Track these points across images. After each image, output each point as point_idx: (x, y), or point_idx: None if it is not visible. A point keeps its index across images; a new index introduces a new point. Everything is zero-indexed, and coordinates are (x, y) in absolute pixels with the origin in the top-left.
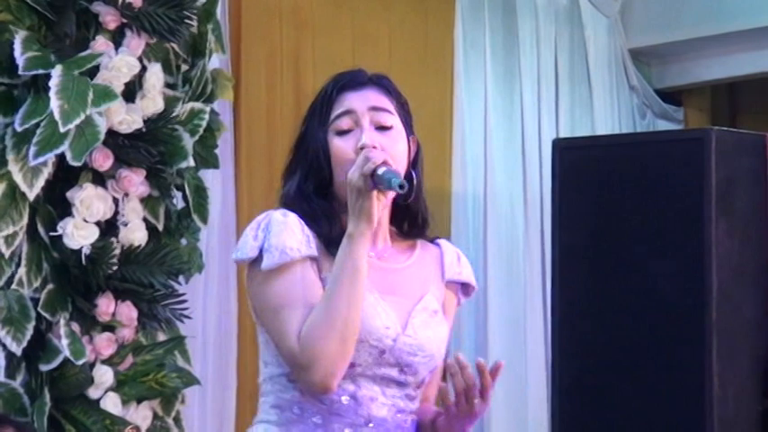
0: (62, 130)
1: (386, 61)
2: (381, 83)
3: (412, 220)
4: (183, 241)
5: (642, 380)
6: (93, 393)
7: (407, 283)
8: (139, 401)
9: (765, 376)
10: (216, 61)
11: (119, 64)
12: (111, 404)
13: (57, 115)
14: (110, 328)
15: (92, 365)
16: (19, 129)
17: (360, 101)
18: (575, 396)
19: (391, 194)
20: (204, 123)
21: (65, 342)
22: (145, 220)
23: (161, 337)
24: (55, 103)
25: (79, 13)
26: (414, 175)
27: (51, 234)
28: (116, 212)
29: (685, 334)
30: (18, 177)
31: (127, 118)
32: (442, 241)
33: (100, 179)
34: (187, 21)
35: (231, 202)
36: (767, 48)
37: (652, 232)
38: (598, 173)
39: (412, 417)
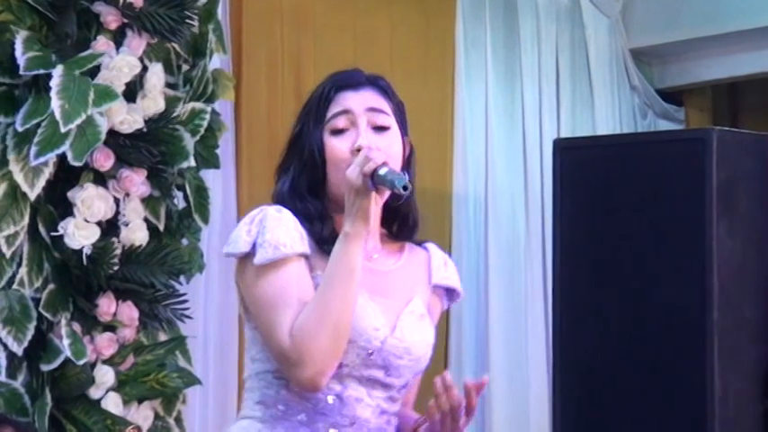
0: (63, 130)
1: (387, 61)
2: (378, 83)
3: (402, 222)
4: (184, 241)
5: (644, 380)
6: (94, 393)
7: (396, 286)
8: (140, 401)
9: (767, 376)
10: (217, 61)
11: (120, 64)
12: (113, 404)
13: (58, 115)
14: (111, 328)
15: (93, 365)
16: (20, 129)
17: (357, 101)
18: (576, 396)
19: (386, 195)
20: (205, 123)
21: (66, 342)
22: (146, 220)
23: (162, 337)
24: (56, 103)
25: (80, 13)
26: (407, 174)
27: (52, 234)
28: (117, 212)
29: (686, 334)
30: (19, 177)
31: (128, 118)
32: (429, 245)
33: (101, 179)
34: (188, 21)
35: (232, 202)
36: None
37: (653, 232)
38: (599, 173)
39: (393, 418)
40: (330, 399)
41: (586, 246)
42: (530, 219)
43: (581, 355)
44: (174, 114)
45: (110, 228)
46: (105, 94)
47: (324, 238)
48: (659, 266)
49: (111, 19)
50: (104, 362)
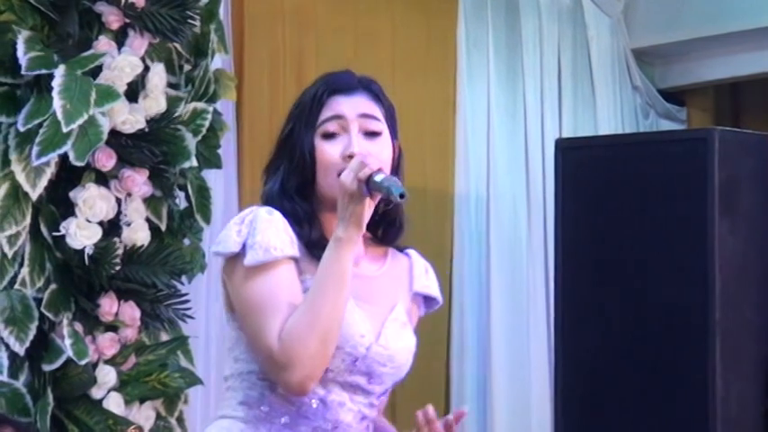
0: (65, 130)
1: (389, 61)
2: (371, 88)
3: (389, 226)
4: (186, 241)
5: (645, 380)
6: (96, 393)
7: (380, 292)
8: (142, 401)
9: None
10: (218, 61)
11: (122, 64)
12: (114, 404)
13: (59, 115)
14: (113, 328)
15: (95, 365)
16: (22, 129)
17: (349, 107)
18: (578, 397)
19: (377, 200)
20: (207, 123)
21: (68, 342)
22: (148, 220)
23: (164, 337)
24: (58, 103)
25: (82, 13)
26: (397, 176)
27: (54, 234)
28: (119, 212)
29: (688, 334)
30: (21, 177)
31: (130, 118)
32: (411, 252)
33: (103, 179)
34: (190, 21)
35: (234, 202)
36: None
37: (655, 232)
38: (601, 173)
39: (371, 424)
40: (314, 403)
41: (588, 245)
42: (531, 219)
43: (583, 355)
44: (176, 114)
45: (111, 228)
46: (107, 94)
47: (312, 242)
48: (661, 266)
49: (113, 19)
50: (106, 362)
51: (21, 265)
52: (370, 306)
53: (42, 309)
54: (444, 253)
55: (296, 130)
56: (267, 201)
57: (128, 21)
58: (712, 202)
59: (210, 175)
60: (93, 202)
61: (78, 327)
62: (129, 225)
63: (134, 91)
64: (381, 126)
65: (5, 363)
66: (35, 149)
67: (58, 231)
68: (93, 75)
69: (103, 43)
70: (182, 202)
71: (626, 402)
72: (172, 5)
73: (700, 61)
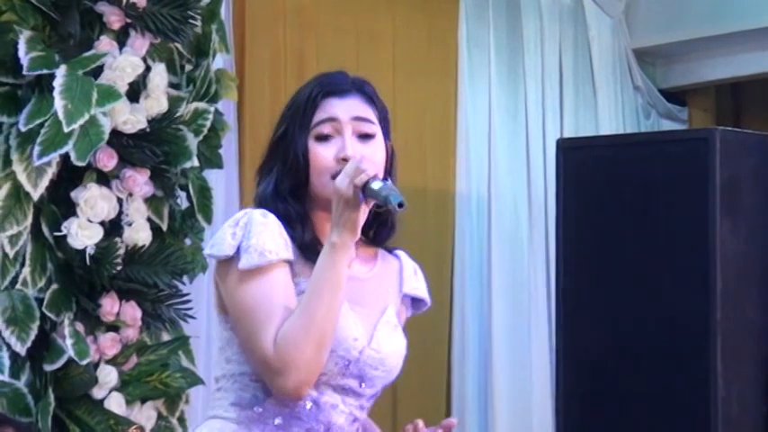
0: (66, 130)
1: (390, 61)
2: (364, 90)
3: (380, 227)
4: (188, 241)
5: (647, 379)
6: (97, 393)
7: (372, 295)
8: (143, 401)
9: None
10: (220, 61)
11: (123, 64)
12: (116, 404)
13: (61, 115)
14: (114, 328)
15: (96, 365)
16: (23, 129)
17: (343, 109)
18: (579, 397)
19: (371, 205)
20: (208, 123)
21: (69, 342)
22: (149, 220)
23: (165, 337)
24: (59, 103)
25: (83, 13)
26: (388, 180)
27: (55, 234)
28: (120, 212)
29: (690, 334)
30: (22, 177)
31: (131, 118)
32: (400, 253)
33: (104, 179)
34: (191, 21)
35: (235, 203)
36: None
37: (656, 232)
38: (602, 173)
39: (361, 427)
40: (308, 404)
41: (589, 246)
42: (533, 219)
43: (583, 355)
44: (178, 114)
45: (113, 228)
46: (108, 94)
47: (305, 244)
48: (662, 266)
49: (115, 19)
50: (107, 362)
51: (22, 265)
52: (362, 308)
53: (44, 309)
54: (445, 253)
55: (289, 131)
56: (261, 202)
57: (129, 21)
58: (713, 202)
59: (212, 176)
60: (94, 202)
61: (79, 327)
62: (130, 225)
63: (135, 91)
64: (375, 128)
65: (7, 363)
66: (36, 149)
67: (60, 231)
68: (95, 75)
69: (105, 43)
70: (183, 202)
71: (627, 402)
72: (173, 5)
73: (701, 61)
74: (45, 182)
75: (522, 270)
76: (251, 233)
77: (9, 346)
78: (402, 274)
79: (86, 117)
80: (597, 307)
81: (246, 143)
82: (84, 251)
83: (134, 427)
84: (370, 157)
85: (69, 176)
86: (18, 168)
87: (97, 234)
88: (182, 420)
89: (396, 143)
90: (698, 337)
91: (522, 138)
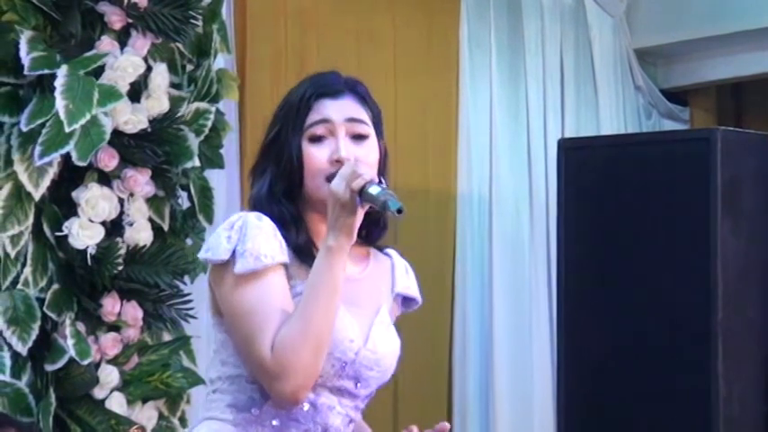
0: (67, 129)
1: (391, 61)
2: (357, 90)
3: (373, 226)
4: (189, 241)
5: (648, 380)
6: (98, 393)
7: (366, 295)
8: (145, 401)
9: None
10: (221, 61)
11: (124, 64)
12: (117, 404)
13: (62, 115)
14: (115, 328)
15: (97, 365)
16: (24, 129)
17: (336, 111)
18: (580, 397)
19: (366, 207)
20: (209, 123)
21: (70, 342)
22: (150, 220)
23: (166, 337)
24: (60, 103)
25: (84, 13)
26: (382, 182)
27: (57, 234)
28: (121, 212)
29: (691, 334)
30: (23, 177)
31: (132, 118)
32: (392, 252)
33: (105, 179)
34: (192, 21)
35: (236, 202)
36: None
37: (658, 232)
38: (603, 173)
39: (354, 426)
40: (305, 406)
41: (591, 246)
42: (534, 219)
43: (585, 355)
44: (179, 114)
45: (114, 228)
46: (110, 94)
47: (300, 247)
48: (663, 266)
49: (116, 19)
50: (109, 362)
51: (23, 265)
52: (357, 309)
53: (45, 309)
54: (447, 253)
55: (282, 132)
56: (255, 204)
57: (130, 21)
58: (714, 202)
59: (213, 175)
60: (95, 202)
61: (81, 327)
62: (131, 225)
63: (136, 91)
64: (368, 129)
65: (8, 363)
66: (38, 149)
67: (61, 231)
68: (96, 75)
69: (106, 43)
70: (184, 202)
71: (628, 402)
72: (174, 5)
73: (702, 61)
74: (46, 182)
75: (523, 270)
76: (246, 237)
77: (10, 346)
78: (394, 273)
79: (88, 117)
80: (598, 307)
81: (248, 143)
82: (85, 251)
83: (135, 427)
84: (364, 158)
85: (70, 176)
86: (19, 168)
87: (98, 234)
88: (183, 420)
89: (397, 143)
90: (699, 338)
91: (524, 138)
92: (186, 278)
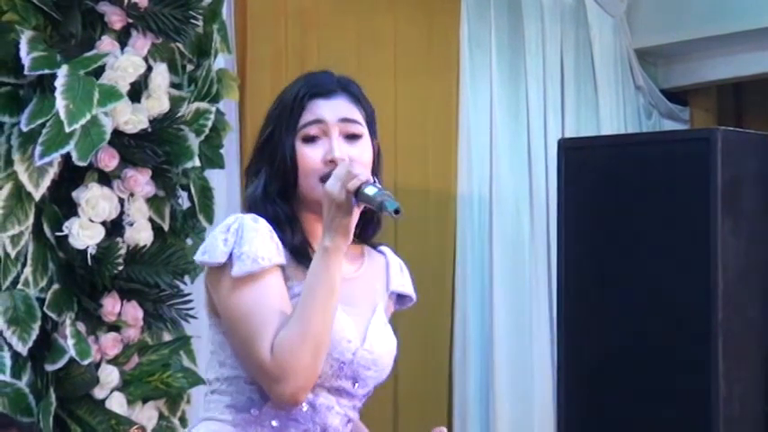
0: (68, 129)
1: (391, 61)
2: (350, 90)
3: (366, 224)
4: (189, 241)
5: (648, 379)
6: (98, 393)
7: (362, 294)
8: (145, 401)
9: None
10: (221, 61)
11: (124, 64)
12: (117, 404)
13: (62, 115)
14: (115, 328)
15: (97, 365)
16: (25, 129)
17: (330, 111)
18: (581, 396)
19: (362, 207)
20: (210, 123)
21: (70, 342)
22: (150, 220)
23: (166, 337)
24: (60, 103)
25: (85, 13)
26: (376, 180)
27: (57, 234)
28: (122, 212)
29: (691, 334)
30: (24, 177)
31: (132, 118)
32: (385, 249)
33: (105, 179)
34: (193, 21)
35: (236, 202)
36: None
37: (658, 232)
38: (603, 173)
39: (352, 426)
40: (304, 407)
41: (591, 245)
42: (534, 219)
43: (585, 354)
44: (179, 114)
45: (114, 228)
46: (110, 94)
47: (296, 247)
48: (664, 266)
49: (116, 19)
50: (109, 362)
51: (24, 264)
52: (353, 309)
53: (45, 309)
54: (447, 253)
55: (276, 133)
56: (251, 205)
57: (131, 21)
58: (715, 202)
59: (213, 175)
60: (95, 202)
61: (81, 327)
62: (131, 225)
63: (137, 91)
64: (362, 129)
65: (8, 363)
66: (38, 149)
67: (61, 231)
68: (96, 75)
69: (106, 43)
70: (184, 202)
71: (628, 402)
72: (175, 5)
73: (702, 61)
74: (46, 182)
75: (523, 270)
76: (243, 239)
77: (10, 346)
78: (389, 271)
79: (88, 117)
80: (599, 306)
81: (248, 143)
82: (85, 251)
83: (135, 426)
84: (358, 158)
85: (71, 176)
86: (20, 168)
87: (98, 234)
88: (183, 420)
89: (397, 143)
90: (699, 337)
91: (524, 138)
92: (186, 278)
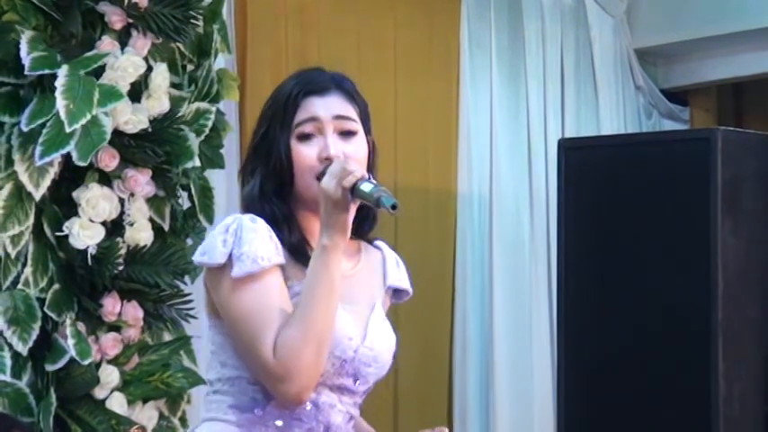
0: (68, 129)
1: (391, 61)
2: (344, 86)
3: (362, 220)
4: (189, 241)
5: (648, 379)
6: (98, 393)
7: (360, 290)
8: (145, 401)
9: None
10: (221, 61)
11: (125, 64)
12: (117, 404)
13: (63, 115)
14: (115, 328)
15: (98, 365)
16: (25, 129)
17: (324, 108)
18: (580, 396)
19: (358, 203)
20: (210, 123)
21: (71, 342)
22: (150, 220)
23: (167, 337)
24: (61, 103)
25: (85, 13)
26: (371, 177)
27: (57, 234)
28: (122, 212)
29: (691, 334)
30: (24, 177)
31: (132, 118)
32: (381, 244)
33: (106, 179)
34: (193, 21)
35: (236, 202)
36: None
37: (658, 232)
38: (603, 173)
39: (354, 422)
40: (308, 405)
41: (591, 246)
42: (534, 219)
43: (585, 354)
44: (179, 114)
45: (114, 228)
46: (110, 94)
47: (294, 246)
48: (664, 266)
49: (116, 19)
50: (109, 362)
51: (24, 264)
52: (352, 306)
53: (45, 309)
54: (447, 253)
55: (271, 132)
56: (248, 205)
57: (131, 21)
58: (715, 202)
59: (213, 175)
60: (96, 202)
61: (81, 327)
62: (131, 225)
63: (137, 91)
64: (356, 126)
65: (8, 363)
66: (38, 149)
67: (61, 231)
68: (97, 75)
69: (106, 43)
70: (185, 202)
71: (628, 401)
72: (175, 5)
73: (702, 61)
74: (47, 182)
75: (523, 270)
76: (242, 240)
77: (11, 346)
78: (385, 266)
79: (88, 117)
80: (598, 306)
81: (248, 143)
82: (85, 251)
83: (136, 427)
84: (353, 155)
85: (71, 176)
86: (20, 168)
87: (99, 234)
88: (183, 420)
89: (397, 143)
90: (699, 337)
91: (524, 138)
92: (186, 278)
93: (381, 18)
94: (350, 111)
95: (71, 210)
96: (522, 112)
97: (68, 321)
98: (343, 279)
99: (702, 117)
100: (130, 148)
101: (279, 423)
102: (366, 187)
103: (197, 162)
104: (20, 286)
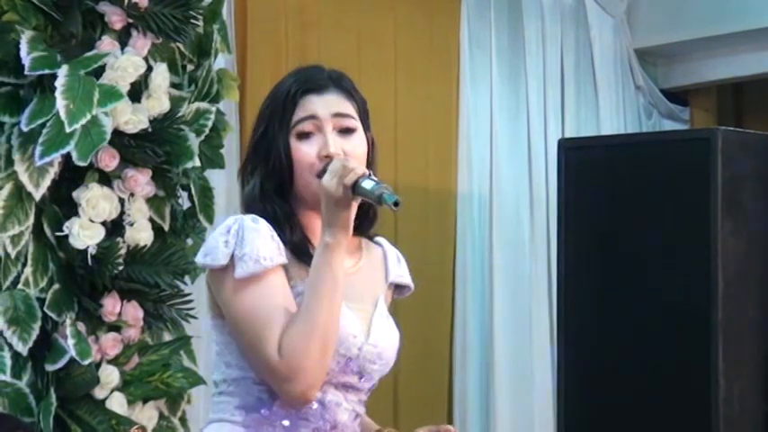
0: (68, 129)
1: (391, 61)
2: (342, 84)
3: (363, 217)
4: (189, 241)
5: (648, 379)
6: (98, 393)
7: (363, 288)
8: (145, 401)
9: None
10: (221, 61)
11: (125, 64)
12: (117, 404)
13: (63, 115)
14: (115, 328)
15: (98, 365)
16: (25, 129)
17: (323, 106)
18: (580, 395)
19: (359, 200)
20: (210, 123)
21: (71, 342)
22: (151, 220)
23: (167, 337)
24: (61, 103)
25: (85, 13)
26: (371, 174)
27: (57, 234)
28: (122, 212)
29: (691, 333)
30: (24, 177)
31: (133, 118)
32: (382, 240)
33: (106, 179)
34: (193, 21)
35: (237, 202)
36: None
37: (658, 232)
38: (604, 173)
39: (360, 420)
40: (314, 405)
41: (591, 246)
42: (534, 219)
43: (585, 354)
44: (179, 114)
45: (114, 228)
46: (110, 94)
47: (296, 245)
48: (664, 266)
49: (116, 19)
50: (109, 362)
51: (24, 265)
52: (356, 303)
53: (45, 309)
54: (447, 253)
55: (270, 130)
56: (249, 204)
57: (131, 21)
58: (715, 202)
59: (213, 176)
60: (96, 202)
61: (81, 327)
62: (132, 225)
63: (137, 91)
64: (355, 123)
65: (8, 363)
66: (38, 149)
67: (61, 231)
68: (97, 75)
69: (106, 43)
70: (185, 202)
71: (628, 401)
72: (175, 5)
73: (703, 61)
74: (47, 182)
75: (523, 270)
76: (244, 241)
77: (11, 346)
78: (387, 263)
79: (88, 117)
80: (598, 306)
81: (248, 143)
82: (85, 251)
83: (136, 427)
84: (352, 152)
85: (71, 176)
86: (20, 168)
87: (99, 234)
88: (183, 420)
89: (397, 143)
90: (699, 337)
91: (524, 138)
92: (187, 278)
93: (381, 18)
94: (348, 108)
95: (71, 210)
96: (522, 111)
97: (68, 321)
98: (345, 277)
99: (702, 117)
100: (130, 148)
101: (286, 423)
102: (367, 184)
103: (197, 162)
104: (20, 286)
